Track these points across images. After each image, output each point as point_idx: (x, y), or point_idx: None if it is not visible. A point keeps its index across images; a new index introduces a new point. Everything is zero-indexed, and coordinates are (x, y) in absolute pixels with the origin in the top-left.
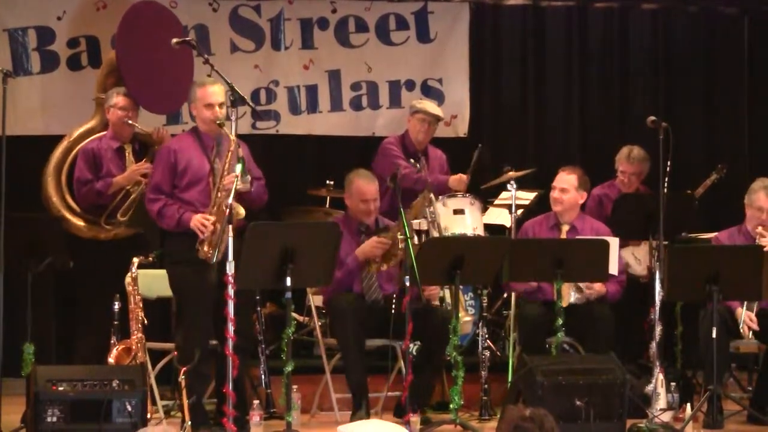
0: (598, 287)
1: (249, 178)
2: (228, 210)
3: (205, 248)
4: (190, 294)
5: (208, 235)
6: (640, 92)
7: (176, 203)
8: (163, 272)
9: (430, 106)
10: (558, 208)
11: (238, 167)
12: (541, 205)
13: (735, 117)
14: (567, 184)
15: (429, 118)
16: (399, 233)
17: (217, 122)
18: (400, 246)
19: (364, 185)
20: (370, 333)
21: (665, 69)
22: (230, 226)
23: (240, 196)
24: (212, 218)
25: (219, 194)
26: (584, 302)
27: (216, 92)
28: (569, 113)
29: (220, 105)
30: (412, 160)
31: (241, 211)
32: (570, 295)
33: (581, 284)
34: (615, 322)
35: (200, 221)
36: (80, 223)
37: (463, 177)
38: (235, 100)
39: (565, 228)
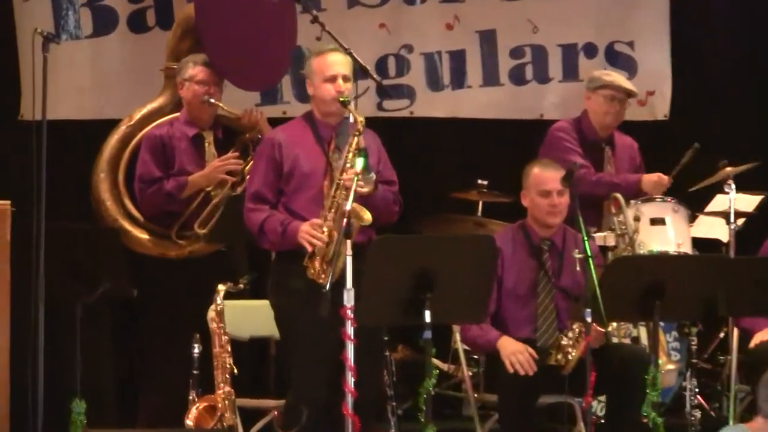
0: None
1: (373, 176)
2: (346, 218)
3: (317, 265)
4: (299, 333)
5: (321, 247)
6: None
7: (281, 214)
8: (258, 304)
9: (620, 78)
10: None
11: (360, 162)
12: None
13: None
14: None
15: (620, 96)
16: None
17: (341, 99)
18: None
19: (544, 171)
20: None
21: None
22: (348, 242)
23: (362, 201)
24: (327, 224)
25: (336, 193)
26: None
27: (339, 62)
28: None
29: (345, 78)
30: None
31: (367, 216)
32: None
33: None
34: None
35: (309, 230)
36: (144, 236)
37: (663, 178)
38: (355, 71)
39: None
